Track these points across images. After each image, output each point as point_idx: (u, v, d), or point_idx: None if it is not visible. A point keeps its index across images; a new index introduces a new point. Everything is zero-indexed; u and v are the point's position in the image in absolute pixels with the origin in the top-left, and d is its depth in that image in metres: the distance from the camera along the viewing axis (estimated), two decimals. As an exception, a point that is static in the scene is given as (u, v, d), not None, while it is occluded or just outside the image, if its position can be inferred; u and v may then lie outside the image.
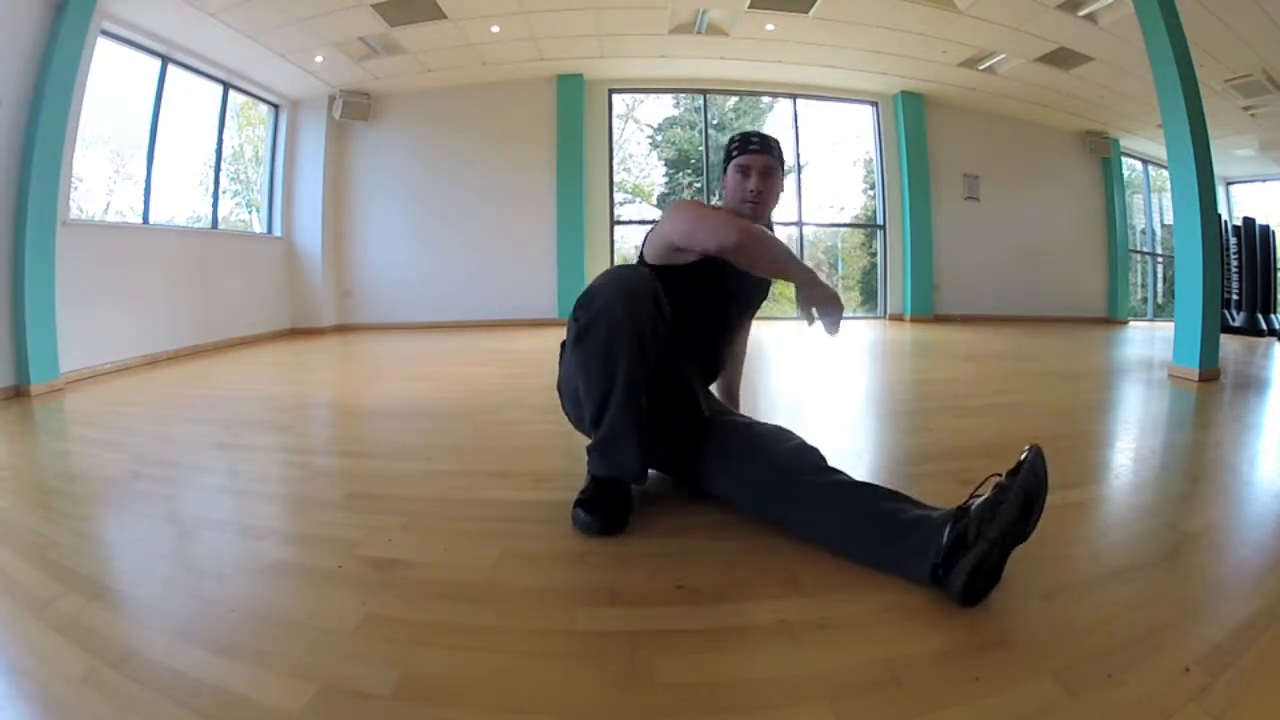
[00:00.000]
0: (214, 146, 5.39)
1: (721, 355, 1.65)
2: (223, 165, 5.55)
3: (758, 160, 1.48)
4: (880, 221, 7.25)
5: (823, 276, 1.35)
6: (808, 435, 1.35)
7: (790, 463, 1.25)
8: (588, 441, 1.36)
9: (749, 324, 1.79)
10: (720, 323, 1.60)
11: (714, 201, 1.73)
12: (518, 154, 6.47)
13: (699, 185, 7.98)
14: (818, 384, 3.02)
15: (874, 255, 7.78)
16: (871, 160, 7.49)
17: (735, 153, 1.52)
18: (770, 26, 5.36)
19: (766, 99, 8.30)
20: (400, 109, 6.45)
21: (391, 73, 5.93)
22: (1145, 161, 8.51)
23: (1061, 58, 5.54)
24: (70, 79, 3.36)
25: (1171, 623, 0.92)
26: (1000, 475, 1.02)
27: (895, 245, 7.13)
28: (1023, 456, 1.01)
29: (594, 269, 6.16)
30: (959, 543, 0.97)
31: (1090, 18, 4.78)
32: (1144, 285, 8.95)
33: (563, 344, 1.42)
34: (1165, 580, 1.06)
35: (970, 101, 6.90)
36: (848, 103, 7.20)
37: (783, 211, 9.55)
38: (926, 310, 7.04)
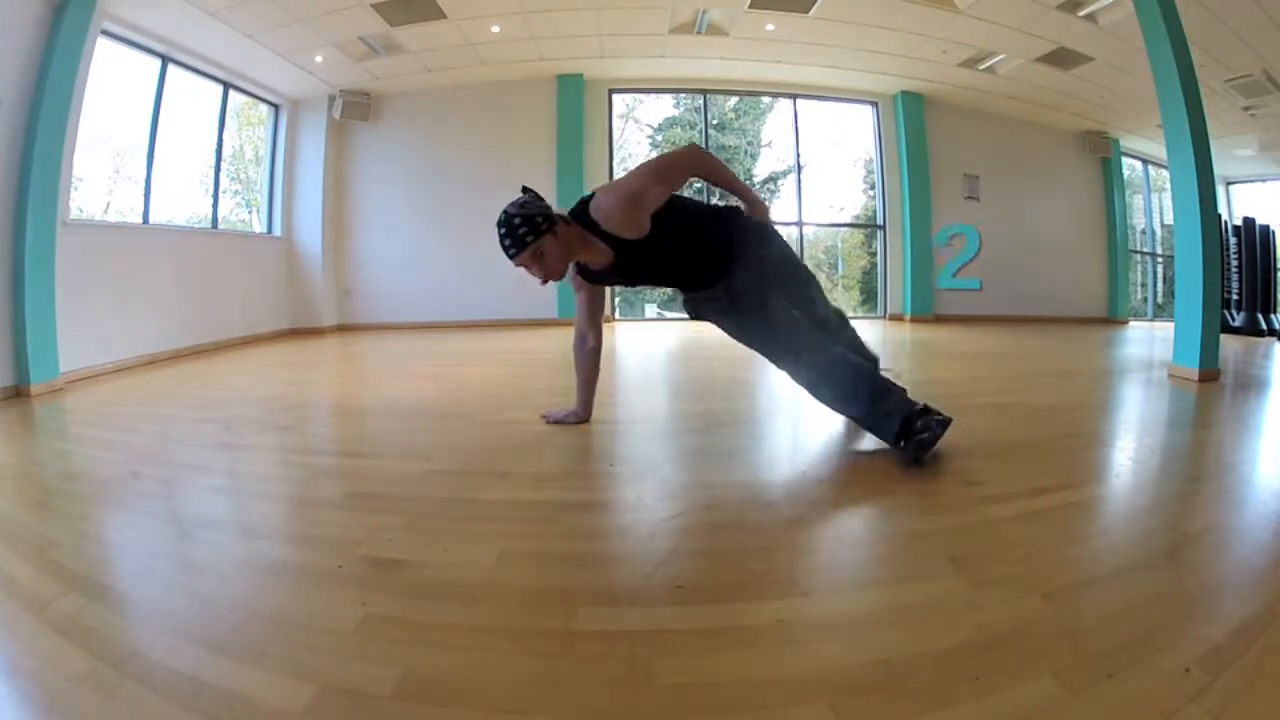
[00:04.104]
0: (214, 146, 5.39)
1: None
2: (223, 165, 5.55)
3: (522, 258, 1.71)
4: (880, 221, 7.25)
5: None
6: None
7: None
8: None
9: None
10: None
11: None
12: (518, 154, 6.46)
13: (698, 185, 7.98)
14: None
15: (874, 255, 7.79)
16: (871, 160, 7.49)
17: (510, 257, 1.76)
18: (770, 26, 5.36)
19: (766, 99, 8.32)
20: (400, 109, 6.45)
21: (391, 73, 5.93)
22: (1145, 161, 8.50)
23: (1061, 58, 5.53)
24: (70, 79, 3.36)
25: (1171, 623, 0.92)
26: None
27: (895, 245, 7.12)
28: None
29: (594, 269, 6.15)
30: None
31: (1090, 18, 4.77)
32: (1144, 285, 8.95)
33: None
34: (1165, 580, 1.06)
35: (970, 101, 6.89)
36: (848, 103, 7.19)
37: (783, 211, 9.57)
38: (927, 310, 7.03)
